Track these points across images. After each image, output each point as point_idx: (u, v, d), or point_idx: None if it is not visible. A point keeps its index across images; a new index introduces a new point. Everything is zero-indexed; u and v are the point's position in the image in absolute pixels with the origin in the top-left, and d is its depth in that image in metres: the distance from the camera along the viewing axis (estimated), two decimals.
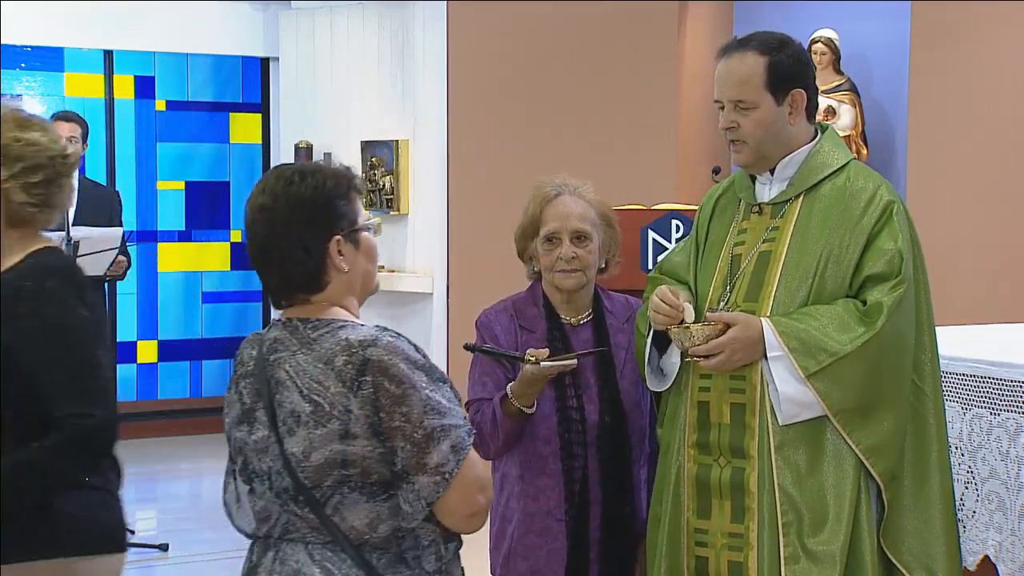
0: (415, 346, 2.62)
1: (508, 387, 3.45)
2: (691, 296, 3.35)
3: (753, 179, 3.38)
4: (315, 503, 2.54)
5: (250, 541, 2.74)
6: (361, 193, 2.71)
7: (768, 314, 3.19)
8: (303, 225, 2.59)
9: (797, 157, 3.30)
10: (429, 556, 2.62)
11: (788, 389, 3.13)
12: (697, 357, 3.19)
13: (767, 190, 3.34)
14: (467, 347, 3.51)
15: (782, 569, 3.13)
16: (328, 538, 2.56)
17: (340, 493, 2.54)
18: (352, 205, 2.66)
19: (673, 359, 3.36)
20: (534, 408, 3.45)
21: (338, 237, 2.62)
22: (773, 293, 3.22)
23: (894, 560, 3.19)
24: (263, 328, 2.76)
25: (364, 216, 2.70)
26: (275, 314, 2.74)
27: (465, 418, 2.61)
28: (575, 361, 3.43)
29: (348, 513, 2.55)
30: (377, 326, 2.62)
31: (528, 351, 3.39)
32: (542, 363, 3.36)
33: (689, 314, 3.25)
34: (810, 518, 3.14)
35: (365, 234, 2.68)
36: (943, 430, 3.26)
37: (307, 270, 2.61)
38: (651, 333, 3.36)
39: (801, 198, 3.28)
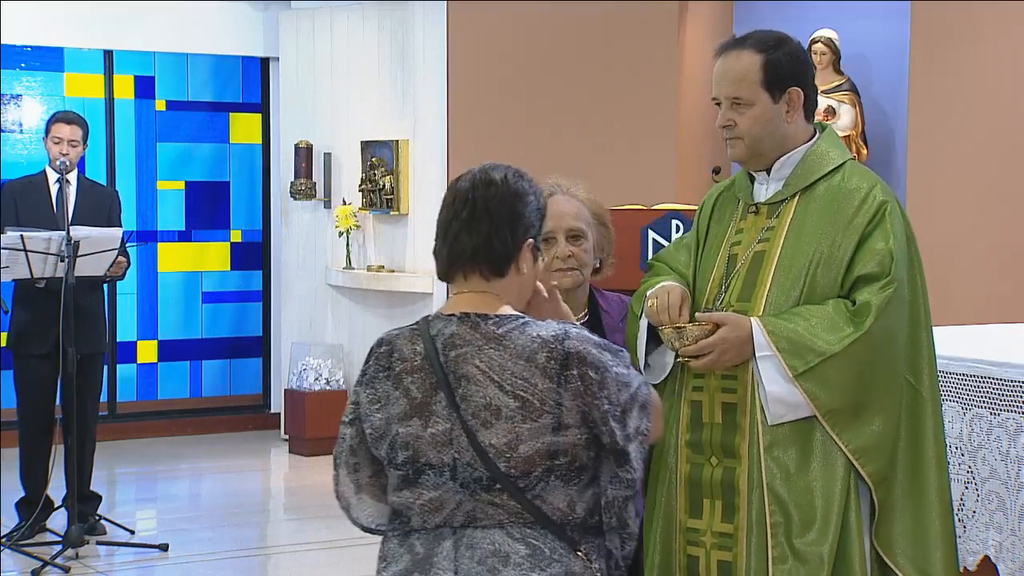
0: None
1: None
2: (689, 300, 3.34)
3: (752, 179, 3.37)
4: (517, 491, 2.68)
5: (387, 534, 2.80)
6: None
7: (761, 314, 3.18)
8: (518, 213, 2.77)
9: (794, 156, 3.28)
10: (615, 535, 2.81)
11: (776, 389, 3.12)
12: (687, 357, 3.20)
13: (763, 190, 3.33)
14: None
15: (770, 569, 3.13)
16: (530, 519, 2.70)
17: (545, 480, 2.69)
18: (541, 228, 2.86)
19: (666, 359, 3.35)
20: None
21: (530, 241, 2.80)
22: (766, 293, 3.21)
23: (888, 561, 3.18)
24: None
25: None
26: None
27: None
28: None
29: (550, 497, 2.70)
30: (551, 321, 2.78)
31: None
32: None
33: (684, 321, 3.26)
34: (798, 518, 3.12)
35: (540, 257, 2.89)
36: (940, 432, 3.23)
37: (503, 251, 2.76)
38: (646, 320, 3.35)
39: (797, 198, 3.27)
